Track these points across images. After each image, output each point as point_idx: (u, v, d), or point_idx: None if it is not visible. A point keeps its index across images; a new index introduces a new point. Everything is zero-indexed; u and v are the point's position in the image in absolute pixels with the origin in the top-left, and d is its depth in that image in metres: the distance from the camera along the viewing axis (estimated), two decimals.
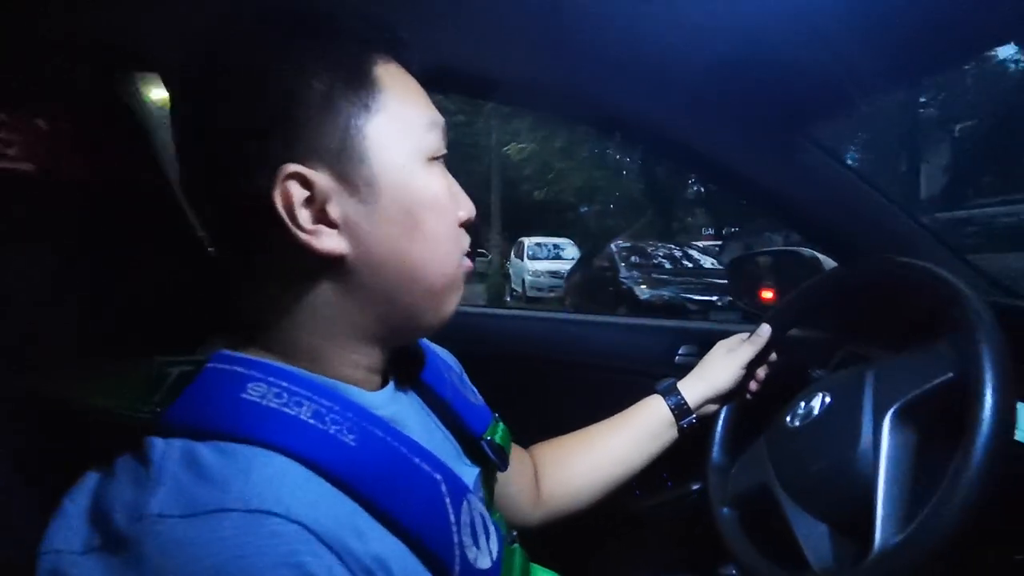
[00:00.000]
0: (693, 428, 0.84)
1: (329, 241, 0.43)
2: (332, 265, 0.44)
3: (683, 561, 0.99)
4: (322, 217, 0.42)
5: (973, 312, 0.57)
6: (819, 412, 0.69)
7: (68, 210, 0.54)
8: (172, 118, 0.45)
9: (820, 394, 0.70)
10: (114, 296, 0.55)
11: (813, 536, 0.64)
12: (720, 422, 0.86)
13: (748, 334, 0.86)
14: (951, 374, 0.57)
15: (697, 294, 6.01)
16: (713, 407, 0.86)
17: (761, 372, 0.87)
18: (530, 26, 0.73)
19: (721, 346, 0.88)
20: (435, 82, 0.80)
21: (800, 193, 0.89)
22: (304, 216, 0.42)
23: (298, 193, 0.41)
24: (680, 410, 0.83)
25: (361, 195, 0.43)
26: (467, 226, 0.51)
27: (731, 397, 0.86)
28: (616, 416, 0.85)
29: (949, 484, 0.52)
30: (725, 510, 0.78)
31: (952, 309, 0.59)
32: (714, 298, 5.81)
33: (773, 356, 0.87)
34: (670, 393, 0.84)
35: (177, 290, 0.55)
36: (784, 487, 0.68)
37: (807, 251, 1.05)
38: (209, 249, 0.60)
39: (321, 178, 0.42)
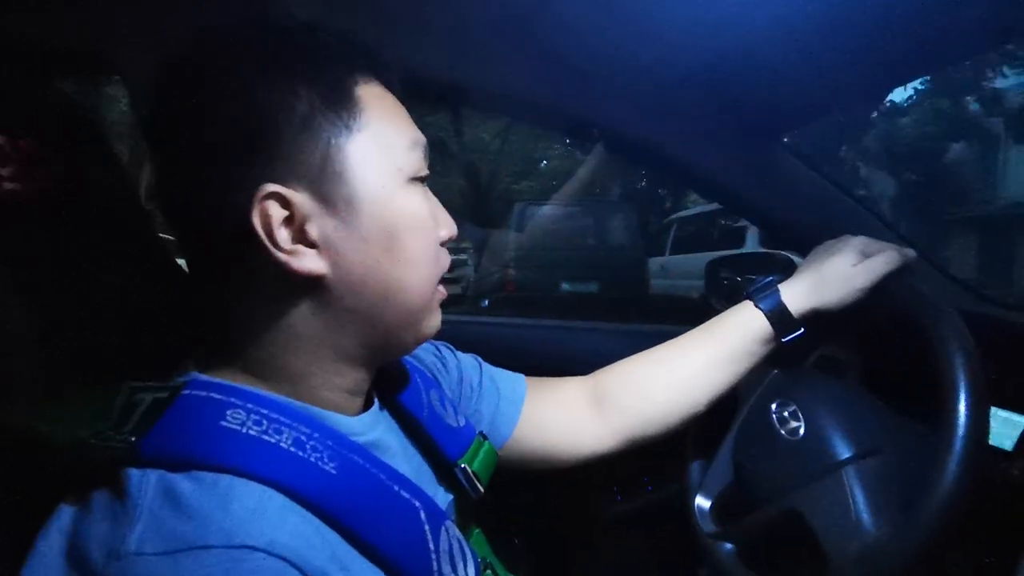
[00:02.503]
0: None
1: (308, 261, 0.42)
2: (311, 285, 0.43)
3: (663, 565, 0.99)
4: (301, 237, 0.42)
5: (944, 320, 0.58)
6: (787, 432, 0.69)
7: (26, 228, 0.51)
8: (145, 129, 0.44)
9: (801, 419, 0.68)
10: (79, 318, 0.52)
11: (721, 475, 0.74)
12: None
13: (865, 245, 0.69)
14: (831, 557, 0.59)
15: None
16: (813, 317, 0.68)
17: (881, 311, 0.68)
18: (511, 37, 0.73)
19: (851, 249, 0.68)
20: (416, 94, 0.80)
21: (776, 199, 0.91)
22: (283, 236, 0.41)
23: (277, 213, 0.40)
24: (781, 321, 0.67)
25: (341, 215, 0.42)
26: (447, 246, 0.50)
27: (841, 321, 0.69)
28: (701, 327, 0.72)
29: (927, 488, 0.53)
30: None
31: (924, 318, 0.60)
32: None
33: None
34: (767, 297, 0.68)
35: (147, 310, 0.53)
36: (734, 442, 0.75)
37: (780, 254, 1.07)
38: (181, 267, 0.58)
39: (300, 198, 0.41)
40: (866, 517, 0.59)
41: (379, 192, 0.44)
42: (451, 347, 0.71)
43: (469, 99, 0.83)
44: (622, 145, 0.92)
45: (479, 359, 0.72)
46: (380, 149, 0.44)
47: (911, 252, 0.69)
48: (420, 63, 0.75)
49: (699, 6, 0.71)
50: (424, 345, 0.66)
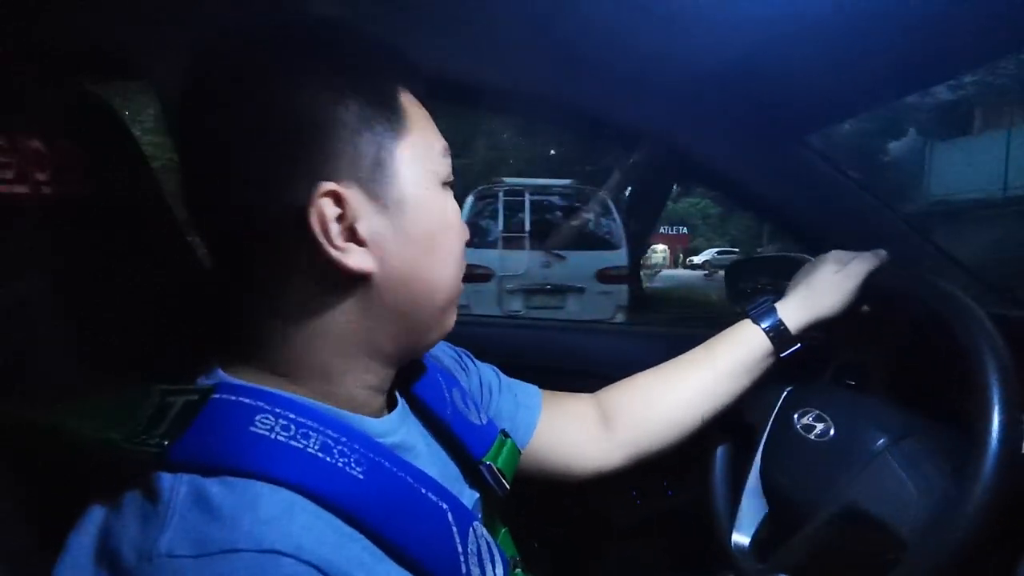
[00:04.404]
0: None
1: (358, 259, 0.43)
2: (357, 283, 0.44)
3: (682, 569, 0.99)
4: (351, 235, 0.43)
5: (977, 325, 0.57)
6: (816, 437, 0.68)
7: (60, 231, 0.52)
8: (180, 130, 0.44)
9: (828, 421, 0.68)
10: (109, 318, 0.53)
11: (754, 508, 0.70)
12: None
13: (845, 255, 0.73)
14: (905, 529, 0.57)
15: None
16: (813, 334, 0.72)
17: (868, 307, 0.73)
18: (527, 36, 0.73)
19: (831, 261, 0.72)
20: (432, 92, 0.80)
21: (797, 199, 0.90)
22: (335, 233, 0.42)
23: (331, 210, 0.41)
24: (780, 337, 0.70)
25: (390, 213, 0.44)
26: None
27: (837, 327, 0.72)
28: (703, 345, 0.75)
29: (958, 497, 0.52)
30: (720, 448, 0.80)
31: (956, 323, 0.59)
32: None
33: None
34: (766, 315, 0.71)
35: (174, 310, 0.54)
36: (762, 462, 0.72)
37: (800, 256, 1.05)
38: (207, 266, 0.59)
39: (353, 196, 0.42)
40: (925, 486, 0.58)
41: (422, 194, 0.46)
42: (471, 355, 0.72)
43: (489, 98, 0.82)
44: (640, 144, 0.92)
45: (496, 369, 0.73)
46: (421, 154, 0.46)
47: (883, 252, 0.73)
48: (440, 62, 0.75)
49: (721, 5, 0.70)
50: (444, 349, 0.68)
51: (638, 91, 0.80)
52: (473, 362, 0.71)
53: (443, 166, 0.48)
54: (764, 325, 0.71)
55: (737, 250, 21.59)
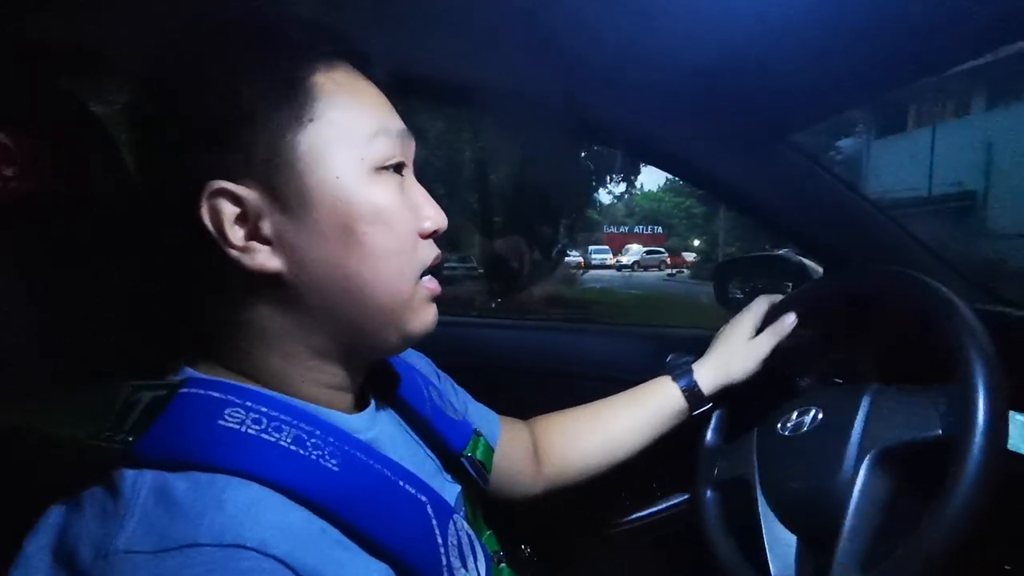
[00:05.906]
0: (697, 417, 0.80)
1: (261, 258, 0.41)
2: (272, 283, 0.42)
3: (671, 573, 0.97)
4: (255, 233, 0.41)
5: (963, 321, 0.57)
6: (808, 427, 0.68)
7: (29, 225, 0.51)
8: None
9: (813, 409, 0.69)
10: (81, 315, 0.52)
11: (780, 545, 0.65)
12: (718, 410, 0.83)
13: (760, 316, 0.80)
14: (939, 431, 0.55)
15: None
16: (722, 391, 0.79)
17: (777, 368, 0.80)
18: (514, 34, 0.72)
19: (742, 330, 0.79)
20: (418, 90, 0.80)
21: (785, 199, 0.89)
22: (236, 233, 0.40)
23: (228, 209, 0.40)
24: (693, 397, 0.78)
25: (292, 210, 0.41)
26: (434, 238, 0.49)
27: (744, 387, 0.79)
28: (625, 394, 0.81)
29: (942, 498, 0.51)
30: (709, 493, 0.78)
31: (942, 320, 0.58)
32: None
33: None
34: (683, 376, 0.79)
35: (145, 307, 0.53)
36: (764, 491, 0.69)
37: (793, 256, 1.05)
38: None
39: (250, 194, 0.40)
40: (931, 397, 0.58)
41: (335, 184, 0.42)
42: (451, 380, 0.73)
43: (473, 96, 0.82)
44: (627, 144, 0.91)
45: (467, 394, 0.75)
46: (338, 139, 0.42)
47: (791, 319, 0.78)
48: (425, 60, 0.75)
49: (705, 2, 0.70)
50: (423, 361, 0.69)
51: (620, 88, 0.80)
52: (451, 383, 0.72)
53: (374, 150, 0.43)
54: (681, 385, 0.79)
55: (663, 250, 21.87)
